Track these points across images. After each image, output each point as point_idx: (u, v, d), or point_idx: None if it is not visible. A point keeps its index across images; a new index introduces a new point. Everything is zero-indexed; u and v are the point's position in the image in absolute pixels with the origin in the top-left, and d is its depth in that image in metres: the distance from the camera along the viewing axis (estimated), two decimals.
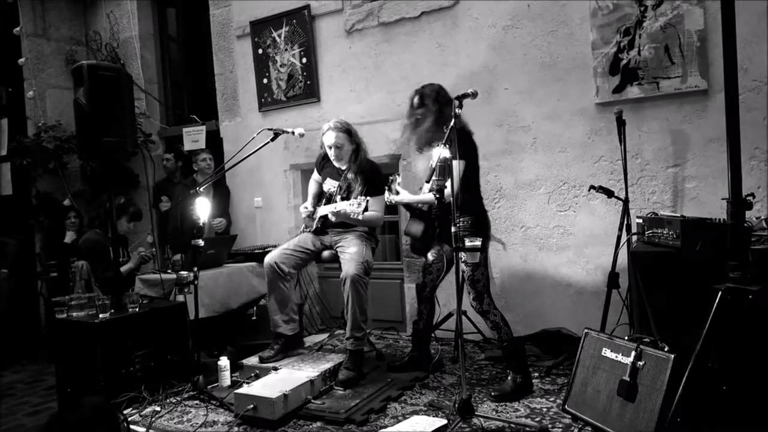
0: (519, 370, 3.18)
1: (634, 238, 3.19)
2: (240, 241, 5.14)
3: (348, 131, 3.69)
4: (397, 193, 3.58)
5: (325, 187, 3.88)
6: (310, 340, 4.31)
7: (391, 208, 3.64)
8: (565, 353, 3.63)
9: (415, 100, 3.37)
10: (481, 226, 3.26)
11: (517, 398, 3.11)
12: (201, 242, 3.57)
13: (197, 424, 3.06)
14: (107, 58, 6.13)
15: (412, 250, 3.72)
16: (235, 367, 3.70)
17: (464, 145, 3.19)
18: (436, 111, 3.27)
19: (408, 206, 3.60)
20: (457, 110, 2.81)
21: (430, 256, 3.55)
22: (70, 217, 5.40)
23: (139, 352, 3.48)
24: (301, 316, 4.79)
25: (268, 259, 3.70)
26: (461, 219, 3.16)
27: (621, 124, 3.39)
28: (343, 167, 3.74)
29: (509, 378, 3.19)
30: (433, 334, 3.78)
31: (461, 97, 2.84)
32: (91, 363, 3.37)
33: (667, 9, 3.59)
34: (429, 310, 3.61)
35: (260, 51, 5.26)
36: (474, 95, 2.89)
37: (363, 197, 3.40)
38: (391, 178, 3.71)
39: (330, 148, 3.67)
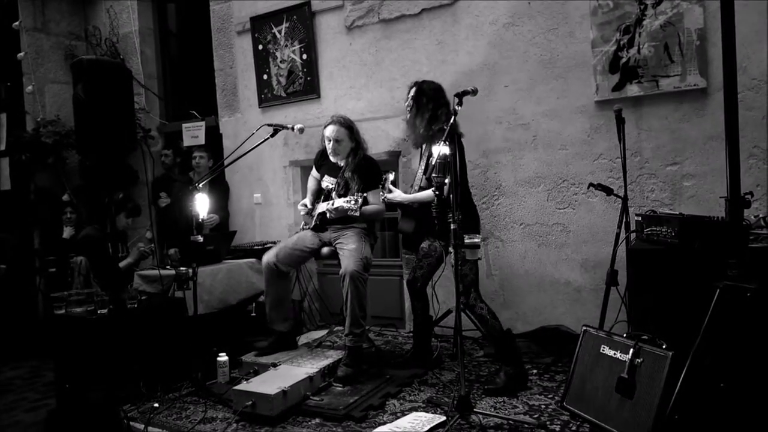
0: (510, 362, 3.20)
1: (633, 235, 3.20)
2: (239, 237, 5.14)
3: (350, 127, 3.72)
4: (390, 191, 3.59)
5: (324, 184, 3.88)
6: (309, 336, 4.32)
7: (391, 204, 3.64)
8: (563, 350, 3.63)
9: (412, 92, 3.45)
10: (470, 221, 3.28)
11: (509, 392, 3.13)
12: (200, 238, 3.58)
13: (196, 420, 3.07)
14: (107, 53, 6.11)
15: (403, 245, 3.76)
16: (233, 363, 3.70)
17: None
18: (432, 110, 3.33)
19: (400, 204, 3.61)
20: (456, 107, 2.82)
21: (421, 251, 3.55)
22: (66, 212, 5.39)
23: (137, 348, 3.48)
24: (300, 313, 4.80)
25: (267, 257, 3.71)
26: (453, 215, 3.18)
27: (620, 122, 3.39)
28: (340, 163, 3.76)
29: (502, 372, 3.21)
30: (432, 331, 3.78)
31: (461, 95, 2.84)
32: (89, 359, 3.37)
33: (667, 7, 3.59)
34: (422, 305, 3.63)
35: (260, 47, 5.25)
36: (474, 92, 2.90)
37: (359, 194, 3.43)
38: (384, 177, 3.72)
39: (329, 141, 3.70)
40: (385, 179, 3.68)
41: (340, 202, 3.50)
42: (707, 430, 2.23)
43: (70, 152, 5.85)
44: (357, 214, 3.42)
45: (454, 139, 2.79)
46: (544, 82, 4.06)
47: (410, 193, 3.52)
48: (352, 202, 3.38)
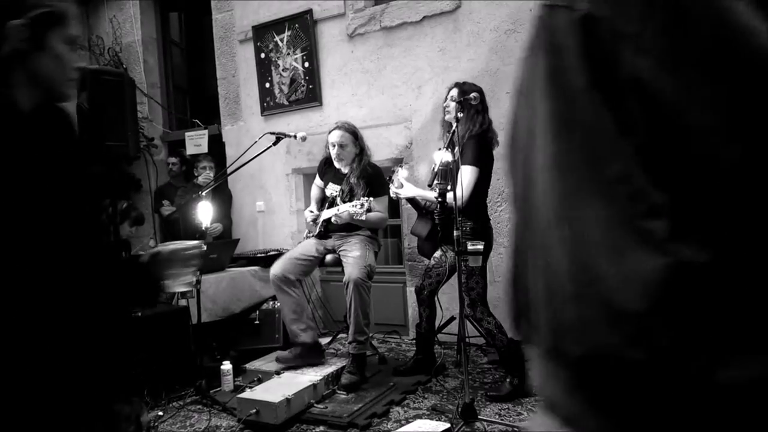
0: (515, 373, 3.20)
1: None
2: (242, 245, 5.13)
3: (354, 133, 3.73)
4: (401, 186, 3.50)
5: (328, 192, 3.89)
6: None
7: (393, 211, 3.65)
8: None
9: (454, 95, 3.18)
10: (480, 233, 3.22)
11: (512, 399, 3.14)
12: (204, 246, 3.58)
13: (200, 428, 3.06)
14: (110, 63, 6.15)
15: (418, 251, 3.72)
16: (237, 371, 3.70)
17: (484, 152, 3.23)
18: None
19: (415, 205, 3.59)
20: (459, 114, 2.82)
21: (433, 260, 3.51)
22: None
23: (141, 357, 3.48)
24: None
25: (274, 270, 3.69)
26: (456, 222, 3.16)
27: None
28: (344, 169, 3.76)
29: (507, 381, 3.21)
30: (436, 338, 3.77)
31: (463, 102, 2.85)
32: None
33: None
34: (428, 313, 3.60)
35: (262, 55, 5.27)
36: (476, 99, 2.91)
37: (366, 198, 3.42)
38: (394, 169, 3.67)
39: (333, 146, 3.70)
40: (396, 173, 3.59)
41: (346, 207, 3.50)
42: None
43: None
44: (363, 218, 3.42)
45: (459, 145, 2.80)
46: None
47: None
48: (358, 206, 3.38)
